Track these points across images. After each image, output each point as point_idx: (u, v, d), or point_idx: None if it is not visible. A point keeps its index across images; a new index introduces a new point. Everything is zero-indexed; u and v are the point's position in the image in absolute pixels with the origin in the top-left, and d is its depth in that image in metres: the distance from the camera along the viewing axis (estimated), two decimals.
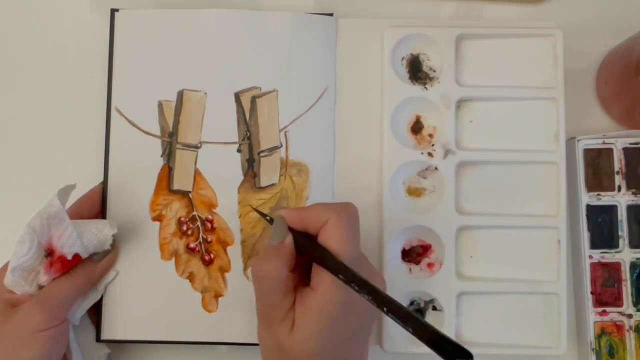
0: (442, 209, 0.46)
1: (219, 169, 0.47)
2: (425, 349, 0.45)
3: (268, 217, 0.43)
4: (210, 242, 0.47)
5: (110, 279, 0.46)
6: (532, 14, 0.51)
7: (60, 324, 0.41)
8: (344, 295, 0.36)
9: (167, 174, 0.47)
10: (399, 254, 0.47)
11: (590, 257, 0.47)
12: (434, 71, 0.48)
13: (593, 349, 0.46)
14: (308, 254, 0.38)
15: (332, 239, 0.37)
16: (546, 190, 0.47)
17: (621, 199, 0.48)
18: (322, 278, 0.37)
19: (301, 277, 0.40)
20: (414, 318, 0.32)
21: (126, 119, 0.47)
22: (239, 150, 0.47)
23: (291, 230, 0.39)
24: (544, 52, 0.48)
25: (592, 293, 0.47)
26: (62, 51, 0.51)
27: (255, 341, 0.45)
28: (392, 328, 0.46)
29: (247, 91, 0.48)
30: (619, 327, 0.47)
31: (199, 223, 0.47)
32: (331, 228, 0.37)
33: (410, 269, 0.47)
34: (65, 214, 0.41)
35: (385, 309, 0.33)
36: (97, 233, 0.43)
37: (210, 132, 0.47)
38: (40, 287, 0.42)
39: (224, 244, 0.47)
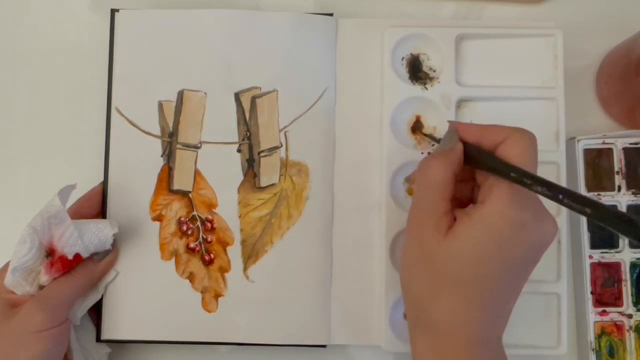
0: None
1: (219, 169, 0.47)
2: None
3: (438, 138, 0.41)
4: (210, 242, 0.47)
5: (111, 279, 0.46)
6: (532, 14, 0.51)
7: (61, 324, 0.41)
8: (517, 213, 0.33)
9: (167, 174, 0.47)
10: (400, 254, 0.47)
11: (590, 257, 0.47)
12: (434, 71, 0.48)
13: (593, 349, 0.46)
14: (481, 163, 0.37)
15: (513, 154, 0.35)
16: None
17: (621, 199, 0.48)
18: (494, 191, 0.34)
19: (460, 205, 0.38)
20: (594, 203, 0.31)
21: (126, 119, 0.47)
22: (239, 150, 0.47)
23: (463, 141, 0.38)
24: (544, 52, 0.48)
25: (592, 293, 0.47)
26: (62, 51, 0.51)
27: (256, 341, 0.46)
28: (392, 328, 0.46)
29: (247, 91, 0.48)
30: (619, 327, 0.47)
31: (199, 223, 0.47)
32: (512, 144, 0.35)
33: None
34: (66, 214, 0.41)
35: (588, 208, 0.31)
36: (98, 233, 0.43)
37: (210, 132, 0.47)
38: (41, 287, 0.42)
39: (224, 244, 0.47)
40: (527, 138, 0.35)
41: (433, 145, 0.47)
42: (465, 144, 0.38)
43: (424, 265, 0.36)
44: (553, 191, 0.32)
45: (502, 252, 0.34)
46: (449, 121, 0.39)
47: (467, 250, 0.34)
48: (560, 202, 0.32)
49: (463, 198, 0.39)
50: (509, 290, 0.36)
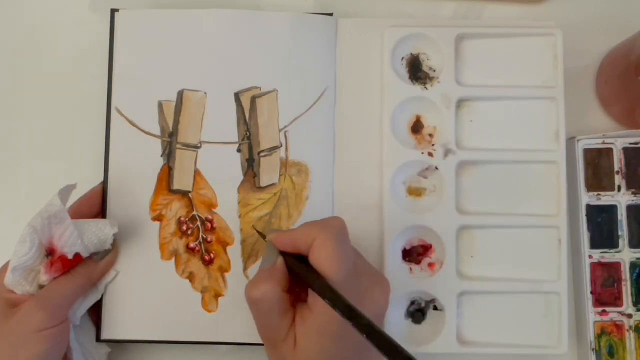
0: (443, 209, 0.46)
1: (219, 169, 0.47)
2: (425, 349, 0.45)
3: (267, 238, 0.43)
4: (210, 242, 0.47)
5: (111, 279, 0.46)
6: (532, 14, 0.51)
7: (61, 324, 0.41)
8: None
9: (167, 174, 0.47)
10: (400, 254, 0.47)
11: (590, 257, 0.47)
12: (434, 71, 0.48)
13: (593, 349, 0.46)
14: (298, 276, 0.39)
15: (321, 259, 0.37)
16: (546, 189, 0.47)
17: (621, 199, 0.48)
18: (317, 298, 0.36)
19: (300, 294, 0.40)
20: (394, 347, 0.31)
21: (126, 119, 0.47)
22: (239, 150, 0.47)
23: (282, 253, 0.39)
24: (544, 52, 0.48)
25: (592, 293, 0.47)
26: (62, 51, 0.51)
27: (255, 341, 0.46)
28: (392, 328, 0.46)
29: (247, 91, 0.48)
30: (619, 327, 0.47)
31: (199, 223, 0.47)
32: (319, 247, 0.37)
33: (411, 269, 0.47)
34: (67, 214, 0.41)
35: (365, 335, 0.32)
36: (98, 233, 0.43)
37: (210, 132, 0.47)
38: (41, 287, 0.42)
39: (224, 244, 0.47)
40: (331, 234, 0.37)
41: (433, 145, 0.47)
42: (285, 254, 0.39)
43: None
44: (362, 329, 0.33)
45: (342, 347, 0.37)
46: (267, 237, 0.40)
47: (317, 358, 0.37)
48: (365, 338, 0.32)
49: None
50: None
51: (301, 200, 0.47)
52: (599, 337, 0.47)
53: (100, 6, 0.50)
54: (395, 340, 0.32)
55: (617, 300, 0.47)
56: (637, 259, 0.47)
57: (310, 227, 0.38)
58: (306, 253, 0.38)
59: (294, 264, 0.39)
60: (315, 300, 0.37)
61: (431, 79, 0.48)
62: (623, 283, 0.47)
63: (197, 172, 0.47)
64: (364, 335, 0.32)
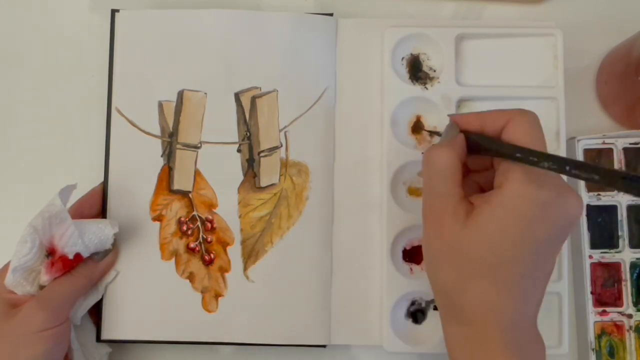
0: None
1: (219, 169, 0.47)
2: (425, 349, 0.45)
3: (439, 132, 0.41)
4: (210, 242, 0.47)
5: (111, 279, 0.46)
6: (532, 14, 0.51)
7: (62, 324, 0.41)
8: (536, 192, 0.33)
9: (167, 174, 0.47)
10: (400, 254, 0.47)
11: (590, 257, 0.47)
12: (434, 71, 0.48)
13: (593, 349, 0.46)
14: (486, 149, 0.36)
15: (519, 134, 0.34)
16: None
17: (621, 199, 0.48)
18: (510, 173, 0.34)
19: (471, 189, 0.38)
20: (601, 169, 0.31)
21: (126, 119, 0.47)
22: (239, 150, 0.47)
23: (466, 133, 0.37)
24: (544, 52, 0.48)
25: (592, 293, 0.47)
26: (62, 51, 0.51)
27: (256, 341, 0.46)
28: (392, 328, 0.46)
29: (247, 91, 0.48)
30: (619, 327, 0.47)
31: (199, 223, 0.47)
32: (515, 126, 0.34)
33: (411, 269, 0.47)
34: (67, 214, 0.41)
35: (597, 176, 0.31)
36: (98, 233, 0.43)
37: (210, 132, 0.47)
38: (41, 287, 0.42)
39: (224, 244, 0.47)
40: (529, 117, 0.35)
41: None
42: (468, 133, 0.37)
43: (447, 255, 0.35)
44: (560, 164, 0.32)
45: (526, 234, 0.33)
46: (449, 115, 0.39)
47: (491, 236, 0.33)
48: (568, 173, 0.32)
49: (484, 186, 0.38)
50: (537, 271, 0.35)
51: (301, 200, 0.47)
52: (599, 337, 0.47)
53: (100, 6, 0.50)
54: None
55: (617, 300, 0.47)
56: (637, 259, 0.47)
57: (504, 111, 0.36)
58: (495, 134, 0.36)
59: (483, 138, 0.36)
60: (507, 177, 0.34)
61: (431, 79, 0.48)
62: (623, 283, 0.47)
63: (197, 172, 0.47)
64: (595, 175, 0.31)
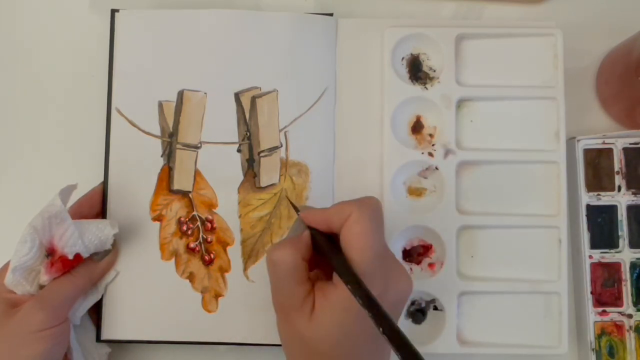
0: (443, 208, 0.46)
1: (219, 169, 0.47)
2: (425, 349, 0.45)
3: (299, 212, 0.42)
4: (210, 242, 0.47)
5: (111, 279, 0.46)
6: (532, 14, 0.51)
7: (61, 324, 0.41)
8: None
9: (167, 174, 0.47)
10: (400, 254, 0.47)
11: (590, 257, 0.47)
12: (434, 71, 0.48)
13: (593, 349, 0.46)
14: (324, 254, 0.38)
15: (354, 234, 0.36)
16: (546, 189, 0.47)
17: (621, 199, 0.48)
18: None
19: (322, 273, 0.39)
20: (407, 345, 0.31)
21: (126, 119, 0.47)
22: (239, 150, 0.47)
23: (311, 229, 0.39)
24: (544, 52, 0.48)
25: (592, 293, 0.47)
26: (62, 51, 0.51)
27: (256, 341, 0.46)
28: None
29: (247, 91, 0.48)
30: (619, 327, 0.47)
31: (199, 223, 0.47)
32: (354, 222, 0.36)
33: (411, 269, 0.47)
34: (67, 214, 0.41)
35: (381, 329, 0.32)
36: (98, 233, 0.43)
37: (210, 132, 0.47)
38: (41, 287, 0.42)
39: (224, 244, 0.47)
40: (367, 211, 0.37)
41: (433, 145, 0.47)
42: (314, 230, 0.39)
43: (297, 344, 0.38)
44: (376, 320, 0.33)
45: (362, 328, 0.36)
46: (297, 212, 0.40)
47: (331, 331, 0.36)
48: (380, 332, 0.32)
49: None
50: (376, 354, 0.38)
51: (301, 200, 0.47)
52: (599, 337, 0.47)
53: (100, 6, 0.50)
54: (409, 340, 0.31)
55: (617, 300, 0.47)
56: (637, 259, 0.47)
57: (346, 204, 0.37)
58: (338, 231, 0.37)
59: (322, 240, 0.38)
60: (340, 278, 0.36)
61: (431, 79, 0.48)
62: (623, 283, 0.47)
63: (197, 172, 0.47)
64: (380, 329, 0.32)
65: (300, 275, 0.37)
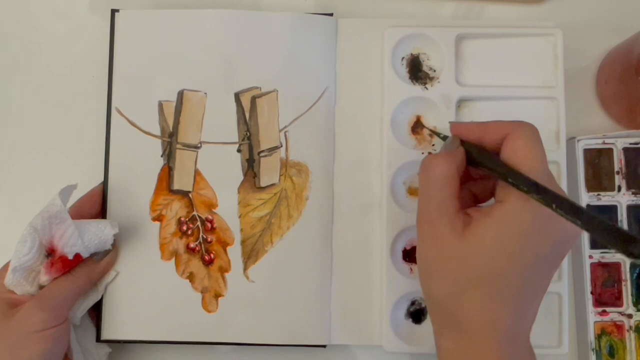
0: None
1: (219, 169, 0.47)
2: (425, 349, 0.45)
3: (442, 135, 0.41)
4: (210, 242, 0.47)
5: (111, 279, 0.46)
6: (532, 14, 0.51)
7: (61, 324, 0.41)
8: (539, 208, 0.32)
9: (167, 174, 0.47)
10: (400, 254, 0.47)
11: (590, 257, 0.47)
12: (434, 71, 0.48)
13: (593, 349, 0.46)
14: (484, 166, 0.36)
15: (519, 148, 0.34)
16: None
17: (621, 199, 0.48)
18: (512, 189, 0.33)
19: (474, 198, 0.38)
20: (592, 218, 0.30)
21: (126, 119, 0.47)
22: (239, 150, 0.47)
23: (466, 144, 0.37)
24: (544, 52, 0.48)
25: (592, 293, 0.47)
26: (62, 51, 0.51)
27: (255, 341, 0.46)
28: (392, 328, 0.46)
29: (247, 91, 0.48)
30: (619, 327, 0.47)
31: (199, 223, 0.47)
32: (514, 140, 0.34)
33: (411, 269, 0.47)
34: (67, 214, 0.41)
35: (559, 210, 0.31)
36: (98, 233, 0.43)
37: (210, 132, 0.47)
38: (41, 287, 0.42)
39: (224, 244, 0.47)
40: (528, 131, 0.35)
41: (433, 145, 0.47)
42: (468, 144, 0.37)
43: (444, 266, 0.35)
44: (547, 200, 0.32)
45: (526, 249, 0.33)
46: (450, 122, 0.39)
47: (490, 248, 0.33)
48: (554, 210, 0.32)
49: (479, 196, 0.39)
50: (534, 287, 0.35)
51: (301, 200, 0.47)
52: (599, 337, 0.47)
53: (100, 6, 0.50)
54: (612, 223, 0.30)
55: (617, 300, 0.47)
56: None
57: (502, 123, 0.36)
58: (493, 148, 0.36)
59: (482, 154, 0.36)
60: (509, 192, 0.34)
61: (431, 79, 0.48)
62: (623, 283, 0.47)
63: (197, 172, 0.47)
64: (579, 221, 0.31)
65: (454, 187, 0.35)
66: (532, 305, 0.35)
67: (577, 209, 0.31)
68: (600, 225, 0.30)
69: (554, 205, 0.32)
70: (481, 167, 0.37)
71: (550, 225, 0.33)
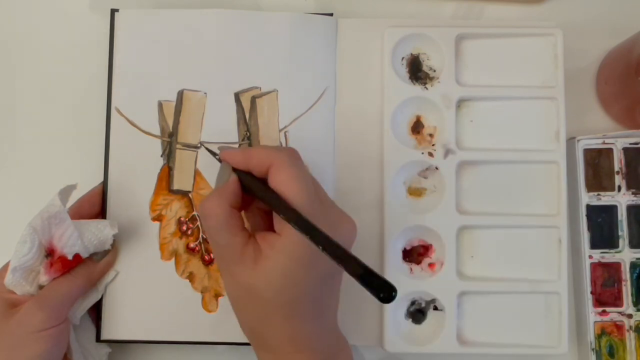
0: (443, 208, 0.46)
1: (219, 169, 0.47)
2: (425, 349, 0.45)
3: (217, 157, 0.42)
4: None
5: (111, 279, 0.46)
6: (532, 14, 0.51)
7: (61, 324, 0.41)
8: None
9: (167, 174, 0.47)
10: (400, 254, 0.47)
11: (590, 257, 0.47)
12: (434, 71, 0.48)
13: (593, 349, 0.46)
14: (258, 196, 0.38)
15: (281, 181, 0.36)
16: (547, 189, 0.47)
17: (621, 199, 0.48)
18: (284, 222, 0.36)
19: (261, 220, 0.40)
20: (347, 257, 0.32)
21: (126, 119, 0.47)
22: None
23: (239, 172, 0.38)
24: (544, 52, 0.48)
25: (592, 293, 0.47)
26: (62, 51, 0.51)
27: None
28: (392, 328, 0.46)
29: (247, 91, 0.48)
30: (619, 327, 0.47)
31: (198, 223, 0.47)
32: (277, 171, 0.36)
33: (411, 269, 0.47)
34: (67, 214, 0.41)
35: (321, 247, 0.32)
36: (97, 233, 0.43)
37: (210, 132, 0.47)
38: (41, 287, 0.42)
39: None
40: (290, 159, 0.37)
41: (433, 145, 0.47)
42: (239, 171, 0.38)
43: (244, 296, 0.38)
44: (315, 239, 0.33)
45: (309, 273, 0.36)
46: (219, 148, 0.40)
47: (278, 279, 0.36)
48: (321, 251, 0.33)
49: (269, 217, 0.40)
50: (326, 300, 0.39)
51: None
52: (599, 337, 0.47)
53: (100, 6, 0.50)
54: (349, 252, 0.32)
55: (617, 300, 0.47)
56: (637, 259, 0.47)
57: (265, 150, 0.37)
58: (262, 175, 0.37)
59: (253, 182, 0.38)
60: (283, 225, 0.36)
61: (431, 79, 0.48)
62: (623, 283, 0.47)
63: (197, 172, 0.47)
64: (320, 247, 0.32)
65: (233, 225, 0.37)
66: (328, 312, 0.40)
67: (342, 252, 0.32)
68: (359, 270, 0.31)
69: (320, 248, 0.33)
70: (255, 197, 0.38)
71: None
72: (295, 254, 0.35)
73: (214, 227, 0.37)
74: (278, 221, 0.37)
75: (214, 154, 0.42)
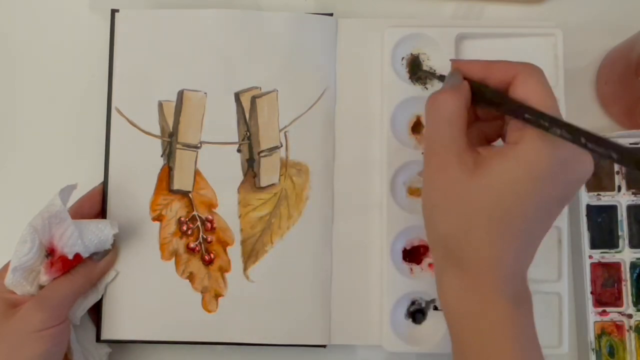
0: None
1: (219, 169, 0.47)
2: (425, 349, 0.45)
3: (439, 74, 0.39)
4: (210, 242, 0.47)
5: (111, 279, 0.46)
6: (532, 14, 0.51)
7: (61, 323, 0.41)
8: (554, 151, 0.32)
9: (167, 174, 0.47)
10: (400, 254, 0.47)
11: (590, 257, 0.47)
12: (434, 71, 0.48)
13: (593, 349, 0.46)
14: (493, 103, 0.35)
15: (531, 91, 0.33)
16: None
17: (621, 199, 0.48)
18: (526, 131, 0.33)
19: (483, 137, 0.38)
20: (620, 147, 0.30)
21: (126, 119, 0.47)
22: (239, 150, 0.47)
23: (468, 80, 0.36)
24: (544, 52, 0.48)
25: (592, 293, 0.47)
26: (62, 51, 0.51)
27: (255, 341, 0.46)
28: (392, 328, 0.46)
29: (247, 91, 0.48)
30: (619, 327, 0.47)
31: (199, 223, 0.47)
32: (526, 80, 0.34)
33: (411, 269, 0.47)
34: (67, 214, 0.41)
35: (583, 139, 0.30)
36: (98, 233, 0.43)
37: (210, 132, 0.47)
38: (41, 287, 0.42)
39: (224, 244, 0.47)
40: (539, 73, 0.34)
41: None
42: (471, 82, 0.36)
43: (452, 202, 0.34)
44: (574, 134, 0.30)
45: (537, 191, 0.33)
46: (451, 60, 0.38)
47: (501, 187, 0.33)
48: (583, 146, 0.30)
49: (489, 136, 0.38)
50: (539, 227, 0.35)
51: (301, 200, 0.47)
52: (599, 337, 0.47)
53: (100, 6, 0.50)
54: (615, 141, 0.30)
55: (617, 300, 0.47)
56: (637, 259, 0.47)
57: (509, 63, 0.35)
58: (499, 87, 0.35)
59: (490, 90, 0.35)
60: (522, 134, 0.33)
61: (431, 79, 0.48)
62: (623, 283, 0.47)
63: (197, 172, 0.47)
64: (614, 154, 0.30)
65: (462, 124, 0.35)
66: (533, 245, 0.35)
67: (609, 142, 0.30)
68: (634, 155, 0.29)
69: (582, 140, 0.30)
70: (489, 105, 0.36)
71: (565, 167, 0.33)
72: (531, 164, 0.32)
73: (444, 118, 0.34)
74: (516, 130, 0.34)
75: (433, 74, 0.39)
